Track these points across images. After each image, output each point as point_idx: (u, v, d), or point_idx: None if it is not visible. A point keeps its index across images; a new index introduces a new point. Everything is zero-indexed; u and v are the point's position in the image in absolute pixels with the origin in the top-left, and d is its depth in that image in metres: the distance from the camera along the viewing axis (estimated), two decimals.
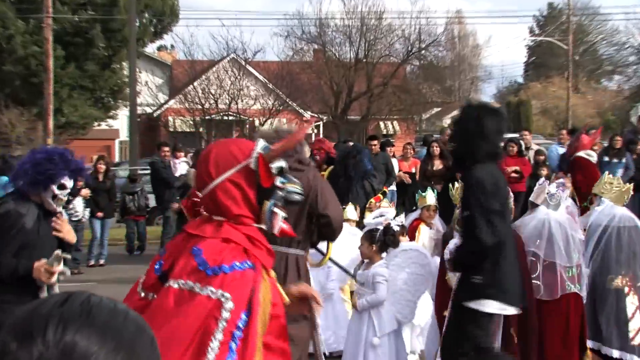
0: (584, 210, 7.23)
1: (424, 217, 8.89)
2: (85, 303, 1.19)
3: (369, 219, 6.58)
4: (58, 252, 4.87)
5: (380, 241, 6.23)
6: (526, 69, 67.51)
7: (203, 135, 28.70)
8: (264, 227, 2.89)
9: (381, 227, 6.24)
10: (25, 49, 29.03)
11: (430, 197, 8.88)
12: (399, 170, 14.52)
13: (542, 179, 6.85)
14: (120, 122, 39.59)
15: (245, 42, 41.49)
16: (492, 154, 5.25)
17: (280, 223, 2.92)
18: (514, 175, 13.21)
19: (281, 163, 2.91)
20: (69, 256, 5.12)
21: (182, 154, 14.76)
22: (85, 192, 12.97)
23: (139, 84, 28.67)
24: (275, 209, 2.89)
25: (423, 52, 37.19)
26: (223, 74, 29.29)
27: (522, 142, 14.21)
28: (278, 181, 2.90)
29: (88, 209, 13.17)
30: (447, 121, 61.46)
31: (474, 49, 67.11)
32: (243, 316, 2.63)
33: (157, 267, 2.81)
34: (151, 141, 32.42)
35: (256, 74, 32.32)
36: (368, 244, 6.27)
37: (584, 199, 7.65)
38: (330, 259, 6.15)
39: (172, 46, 55.63)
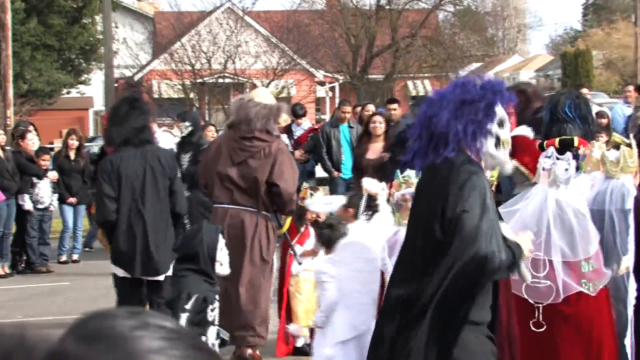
0: None
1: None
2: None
3: (317, 204, 7.28)
4: None
5: (359, 205, 6.47)
6: (585, 12, 66.97)
7: (194, 102, 28.67)
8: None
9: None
10: None
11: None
12: None
13: (550, 148, 5.90)
14: (94, 88, 39.58)
15: None
16: (125, 140, 7.20)
17: None
18: None
19: None
20: None
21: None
22: (53, 175, 12.96)
23: (115, 42, 28.63)
24: None
25: None
26: (217, 28, 29.20)
27: None
28: None
29: (56, 195, 13.17)
30: None
31: None
32: None
33: None
34: None
35: (257, 26, 32.19)
36: (344, 208, 6.68)
37: None
38: (284, 234, 7.71)
39: None
